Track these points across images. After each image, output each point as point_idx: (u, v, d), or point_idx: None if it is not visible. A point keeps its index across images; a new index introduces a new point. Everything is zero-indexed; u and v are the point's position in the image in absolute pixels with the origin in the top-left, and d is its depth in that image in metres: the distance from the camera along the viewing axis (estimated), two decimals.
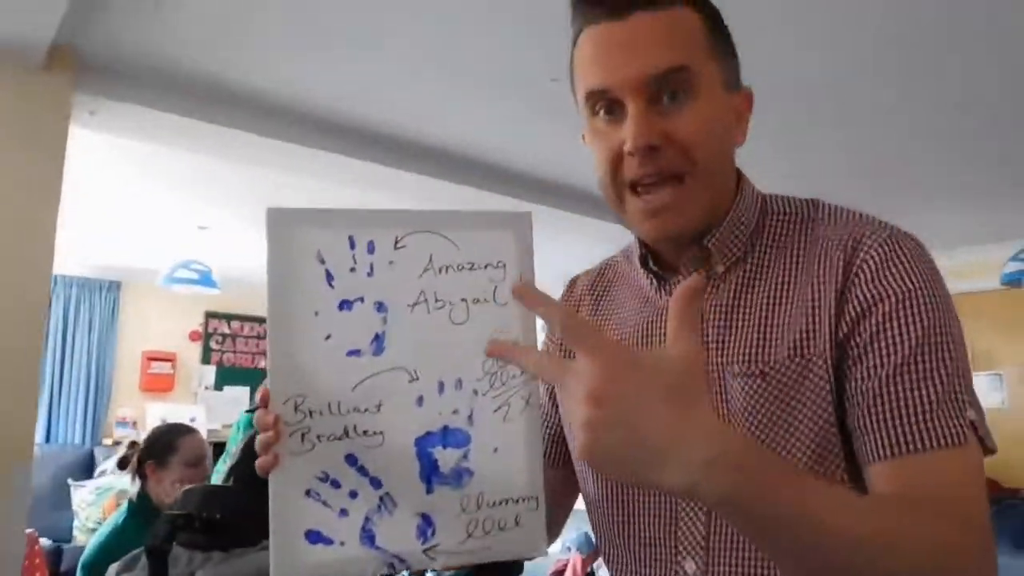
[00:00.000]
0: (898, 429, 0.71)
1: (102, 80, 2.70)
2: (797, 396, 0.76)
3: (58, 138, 2.53)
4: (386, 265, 0.80)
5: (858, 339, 0.75)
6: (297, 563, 0.78)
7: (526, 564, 3.46)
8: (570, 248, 4.99)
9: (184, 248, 5.24)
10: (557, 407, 0.98)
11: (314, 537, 0.78)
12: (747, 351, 0.79)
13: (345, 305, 0.79)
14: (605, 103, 0.79)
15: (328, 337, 0.78)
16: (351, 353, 0.79)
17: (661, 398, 0.56)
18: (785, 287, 0.80)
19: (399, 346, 0.80)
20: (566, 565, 4.38)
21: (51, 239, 2.48)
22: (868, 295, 0.75)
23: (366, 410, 0.79)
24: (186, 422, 2.61)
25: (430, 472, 0.80)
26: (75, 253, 5.83)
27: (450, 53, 2.66)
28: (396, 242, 0.80)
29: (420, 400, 0.80)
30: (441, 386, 0.80)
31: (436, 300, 0.81)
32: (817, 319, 0.77)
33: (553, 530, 0.95)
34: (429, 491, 0.80)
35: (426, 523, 0.81)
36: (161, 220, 4.91)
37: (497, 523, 0.82)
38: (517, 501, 0.81)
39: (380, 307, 0.80)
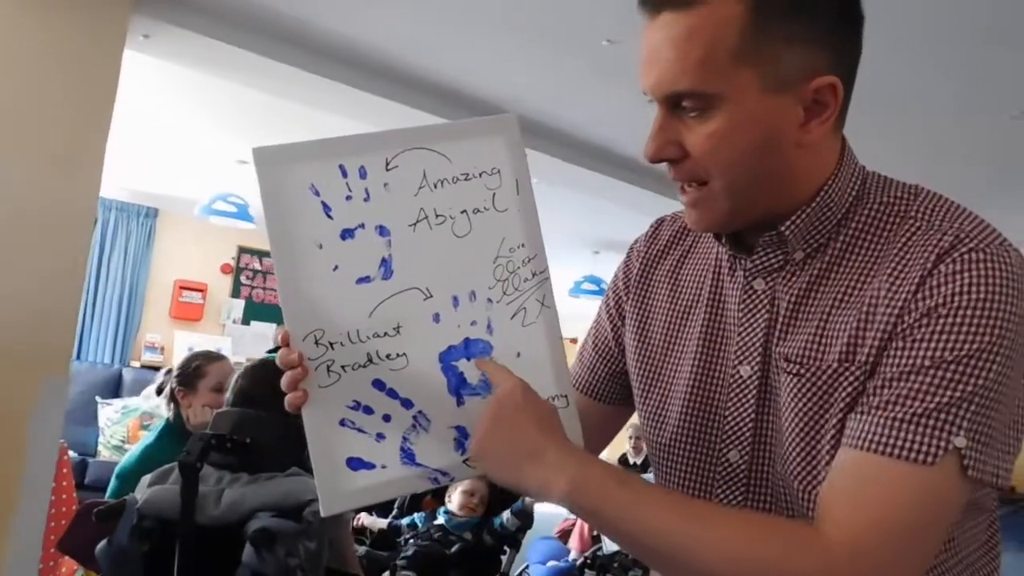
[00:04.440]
0: (875, 425, 0.70)
1: (160, 4, 2.71)
2: (831, 400, 0.75)
3: (112, 59, 2.54)
4: (381, 188, 0.79)
5: (899, 337, 0.72)
6: (343, 491, 0.79)
7: (536, 519, 3.44)
8: (611, 215, 4.97)
9: (222, 182, 5.27)
10: (621, 348, 0.98)
11: (355, 464, 0.79)
12: (802, 350, 0.78)
13: (347, 234, 0.79)
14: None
15: (335, 268, 0.79)
16: (361, 280, 0.79)
17: (532, 421, 0.76)
18: (855, 287, 0.77)
19: (407, 267, 0.80)
20: (573, 525, 4.44)
21: (100, 159, 2.51)
22: (928, 305, 0.71)
23: (385, 334, 0.80)
24: None
25: (458, 385, 0.81)
26: (115, 176, 5.89)
27: (504, 6, 2.63)
28: (387, 164, 0.79)
29: (437, 317, 0.80)
30: (456, 300, 0.81)
31: (436, 216, 0.80)
32: (871, 327, 0.74)
33: None
34: (460, 403, 0.82)
35: (462, 435, 0.82)
36: (202, 151, 4.93)
37: None
38: (547, 400, 0.82)
39: (382, 231, 0.79)
